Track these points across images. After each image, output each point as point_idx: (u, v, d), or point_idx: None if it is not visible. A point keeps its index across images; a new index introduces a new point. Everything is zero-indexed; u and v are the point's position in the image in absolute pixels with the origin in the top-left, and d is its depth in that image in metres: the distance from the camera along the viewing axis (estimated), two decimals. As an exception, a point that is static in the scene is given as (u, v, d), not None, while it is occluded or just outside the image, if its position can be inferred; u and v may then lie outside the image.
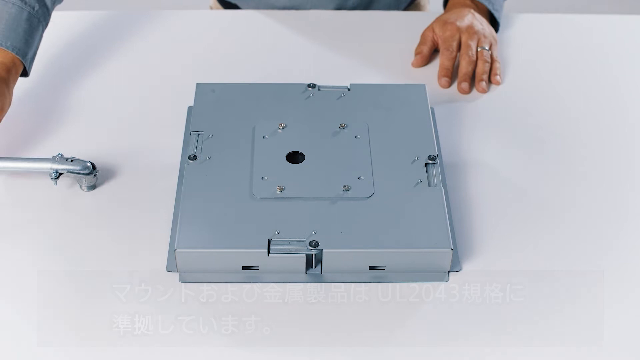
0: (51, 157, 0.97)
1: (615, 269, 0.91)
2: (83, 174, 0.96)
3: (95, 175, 0.97)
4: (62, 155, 0.97)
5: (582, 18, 1.29)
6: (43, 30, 1.07)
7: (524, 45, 1.22)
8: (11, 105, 1.02)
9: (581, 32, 1.25)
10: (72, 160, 0.96)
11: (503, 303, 0.87)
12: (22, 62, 1.03)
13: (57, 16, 1.15)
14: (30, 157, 1.00)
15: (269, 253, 0.87)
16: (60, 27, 1.15)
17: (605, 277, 0.90)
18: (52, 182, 0.97)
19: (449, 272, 0.90)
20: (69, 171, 0.96)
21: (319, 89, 1.05)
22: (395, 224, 0.89)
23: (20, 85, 1.07)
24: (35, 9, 1.04)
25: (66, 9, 1.25)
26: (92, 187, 0.98)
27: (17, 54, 1.02)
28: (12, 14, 1.03)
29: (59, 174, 0.96)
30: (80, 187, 0.98)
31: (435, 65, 1.18)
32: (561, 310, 0.87)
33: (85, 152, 1.00)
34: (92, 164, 0.97)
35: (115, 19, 1.25)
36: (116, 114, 1.09)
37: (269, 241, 0.87)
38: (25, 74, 1.05)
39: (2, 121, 1.01)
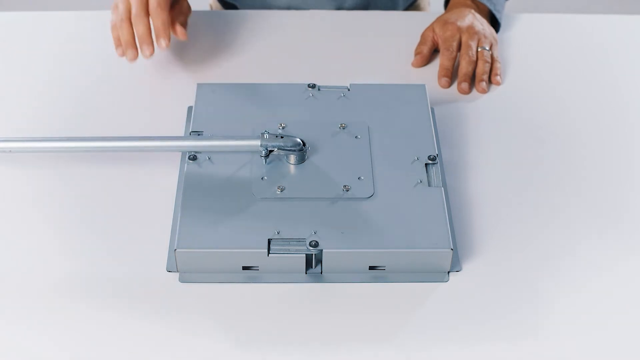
0: (259, 135, 0.95)
1: (616, 268, 0.91)
2: (293, 150, 0.95)
3: (305, 152, 0.95)
4: (269, 133, 0.95)
5: (582, 18, 1.29)
6: None
7: (524, 45, 1.22)
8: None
9: (581, 32, 1.25)
10: (282, 137, 0.94)
11: (503, 303, 0.87)
12: None
13: (55, 17, 1.15)
14: (236, 135, 0.97)
15: (269, 253, 0.87)
16: (58, 27, 1.15)
17: (605, 276, 0.90)
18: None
19: (449, 272, 0.90)
20: (279, 148, 0.94)
21: (319, 89, 1.05)
22: (395, 224, 0.89)
23: (23, 87, 1.07)
24: None
25: (65, 9, 1.25)
26: (301, 162, 0.95)
27: None
28: None
29: (269, 152, 0.94)
30: (287, 162, 0.95)
31: (436, 65, 1.18)
32: (562, 310, 0.87)
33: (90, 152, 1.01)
34: (302, 141, 0.95)
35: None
36: (117, 114, 1.09)
37: (269, 241, 0.87)
38: None
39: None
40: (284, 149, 0.94)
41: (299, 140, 0.95)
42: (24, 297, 0.87)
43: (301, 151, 0.95)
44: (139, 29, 1.10)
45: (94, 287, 0.88)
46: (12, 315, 0.86)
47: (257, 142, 0.94)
